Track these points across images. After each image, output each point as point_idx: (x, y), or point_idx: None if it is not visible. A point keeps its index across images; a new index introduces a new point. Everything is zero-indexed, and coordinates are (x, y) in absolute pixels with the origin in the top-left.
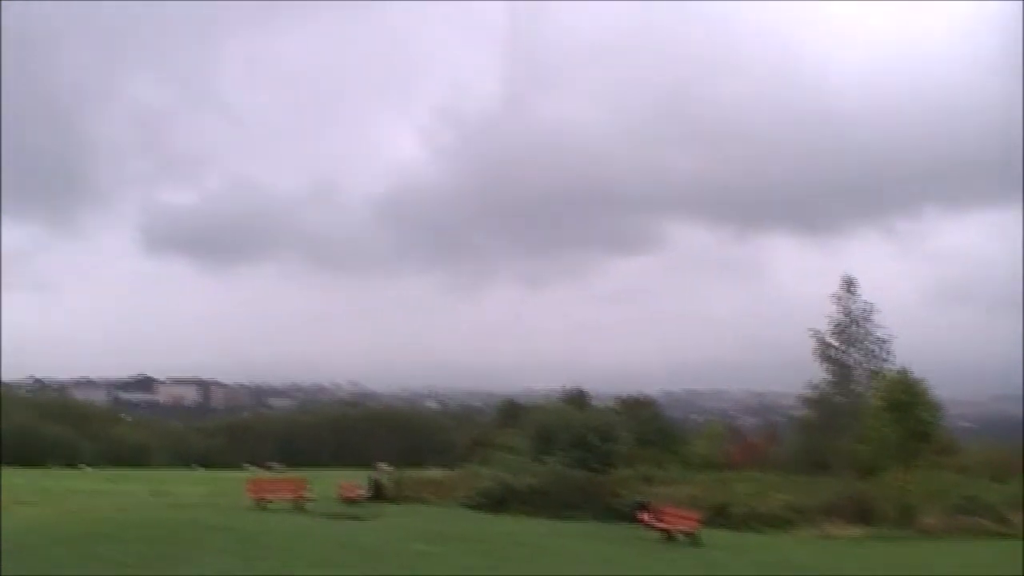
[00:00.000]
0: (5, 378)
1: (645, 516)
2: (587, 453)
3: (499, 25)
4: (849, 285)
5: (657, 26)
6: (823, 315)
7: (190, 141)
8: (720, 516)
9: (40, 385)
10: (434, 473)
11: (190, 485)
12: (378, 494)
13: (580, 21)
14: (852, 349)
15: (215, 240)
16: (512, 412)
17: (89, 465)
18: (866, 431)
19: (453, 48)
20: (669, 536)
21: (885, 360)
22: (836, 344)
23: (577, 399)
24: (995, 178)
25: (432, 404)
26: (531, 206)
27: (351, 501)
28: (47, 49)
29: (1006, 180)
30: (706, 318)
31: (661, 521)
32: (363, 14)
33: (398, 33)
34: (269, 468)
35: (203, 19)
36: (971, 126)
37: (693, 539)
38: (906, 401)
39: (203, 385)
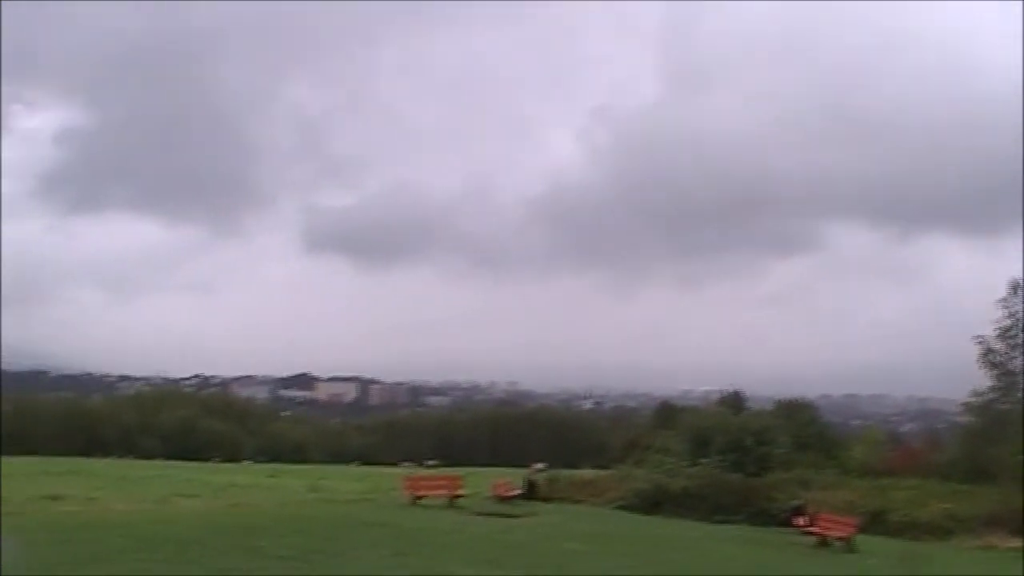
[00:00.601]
0: (172, 374)
1: (800, 521)
2: (743, 456)
3: (655, 24)
4: (1015, 288)
5: (817, 22)
6: (988, 319)
7: (349, 144)
8: (877, 523)
9: (204, 382)
10: (588, 473)
11: (348, 481)
12: (532, 493)
13: (737, 19)
14: (1018, 354)
15: (373, 240)
16: (668, 414)
17: (249, 460)
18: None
19: (609, 48)
20: (824, 542)
21: None
22: (1002, 349)
23: (734, 402)
24: None
25: (588, 405)
26: (687, 207)
27: (505, 499)
28: (210, 57)
29: None
30: (867, 321)
31: (816, 526)
32: (519, 16)
33: (554, 34)
34: (425, 466)
35: (360, 23)
36: None
37: (849, 545)
38: None
39: (361, 383)
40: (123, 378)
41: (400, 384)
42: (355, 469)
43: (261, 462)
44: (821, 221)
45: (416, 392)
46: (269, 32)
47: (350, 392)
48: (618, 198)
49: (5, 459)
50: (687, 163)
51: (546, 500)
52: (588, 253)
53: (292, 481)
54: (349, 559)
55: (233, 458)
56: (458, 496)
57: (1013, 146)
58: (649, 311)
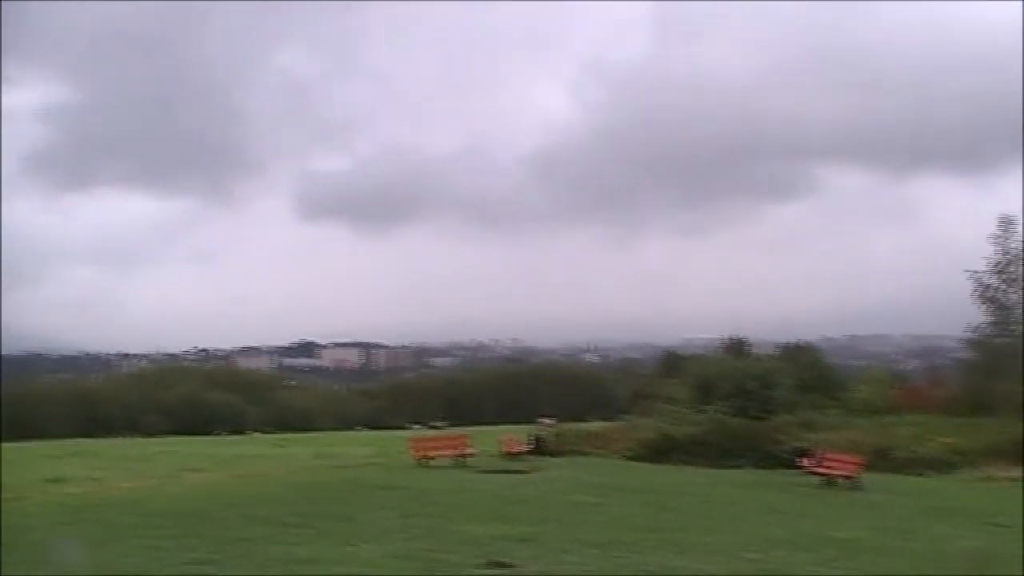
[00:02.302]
0: (172, 349)
1: (805, 461)
2: (747, 401)
3: None
4: (1007, 224)
5: None
6: (982, 256)
7: (341, 108)
8: (882, 460)
9: (205, 355)
10: (595, 426)
11: (354, 446)
12: (539, 448)
13: None
14: (1012, 289)
15: (370, 204)
16: (672, 363)
17: (255, 431)
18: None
19: (600, 1)
20: (829, 481)
21: None
22: (996, 284)
23: (736, 348)
24: None
25: (593, 358)
26: (683, 157)
27: (512, 456)
28: (197, 25)
29: None
30: (865, 262)
31: (821, 466)
32: None
33: None
34: (432, 427)
35: None
36: None
37: (854, 483)
38: None
39: (365, 348)
40: (123, 356)
41: (404, 347)
42: (362, 434)
43: (267, 432)
44: (816, 165)
45: (421, 354)
46: None
47: (354, 357)
48: (615, 150)
49: (5, 445)
50: (682, 113)
51: (554, 454)
52: (586, 207)
53: (299, 449)
54: (357, 522)
55: (239, 430)
56: (465, 455)
57: (1007, 83)
58: (649, 262)
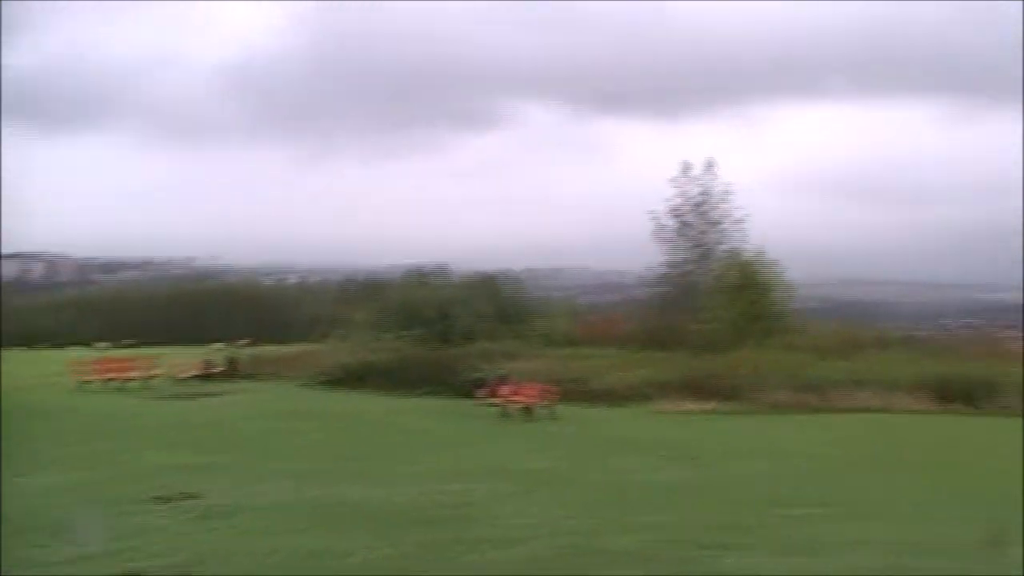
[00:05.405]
0: None
1: (486, 390)
2: (439, 328)
3: None
4: (686, 169)
5: None
6: (675, 196)
7: (26, 2)
8: (574, 391)
9: None
10: (279, 350)
11: (29, 366)
12: (223, 371)
13: None
14: (699, 229)
15: (54, 106)
16: (367, 288)
17: None
18: (711, 310)
19: None
20: (525, 409)
21: (738, 241)
22: (688, 223)
23: (433, 275)
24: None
25: (289, 279)
26: (381, 81)
27: (199, 378)
28: None
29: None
30: (565, 196)
31: (505, 396)
32: None
33: None
34: (119, 346)
35: None
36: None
37: (538, 413)
38: (747, 283)
39: (49, 260)
40: None
41: (92, 259)
42: (41, 352)
43: None
44: (513, 99)
45: (109, 268)
46: None
47: (36, 269)
48: (313, 69)
49: None
50: (381, 38)
51: (233, 379)
52: (282, 125)
53: None
54: (23, 452)
55: None
56: (147, 377)
57: (702, 34)
58: (346, 184)
